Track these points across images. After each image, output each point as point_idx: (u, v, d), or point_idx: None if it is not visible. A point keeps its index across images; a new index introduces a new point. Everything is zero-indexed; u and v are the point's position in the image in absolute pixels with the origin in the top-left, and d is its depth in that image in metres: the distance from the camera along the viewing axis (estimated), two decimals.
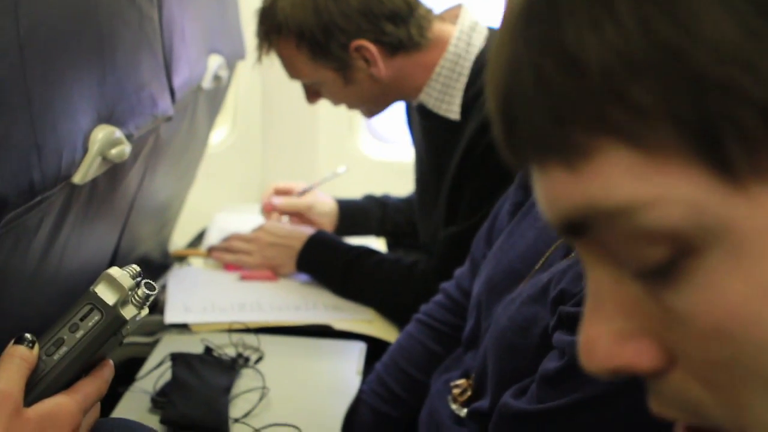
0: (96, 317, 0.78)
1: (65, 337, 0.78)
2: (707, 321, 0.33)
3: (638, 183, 0.33)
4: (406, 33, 1.47)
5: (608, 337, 0.37)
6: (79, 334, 0.78)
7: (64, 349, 0.77)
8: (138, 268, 0.81)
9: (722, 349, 0.34)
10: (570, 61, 0.33)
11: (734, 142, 0.31)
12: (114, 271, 0.79)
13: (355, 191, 1.98)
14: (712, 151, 0.31)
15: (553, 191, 0.36)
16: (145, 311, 0.81)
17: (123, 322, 0.78)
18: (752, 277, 0.32)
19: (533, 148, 0.37)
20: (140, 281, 0.80)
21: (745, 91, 0.30)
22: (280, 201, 1.83)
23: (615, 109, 0.33)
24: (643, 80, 0.32)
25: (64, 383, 0.77)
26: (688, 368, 0.36)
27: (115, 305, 0.78)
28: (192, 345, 1.31)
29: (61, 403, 0.75)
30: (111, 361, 0.82)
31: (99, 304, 0.78)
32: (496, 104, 0.38)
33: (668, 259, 0.34)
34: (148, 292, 0.80)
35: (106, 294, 0.78)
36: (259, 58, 1.57)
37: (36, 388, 0.76)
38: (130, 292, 0.79)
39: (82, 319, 0.78)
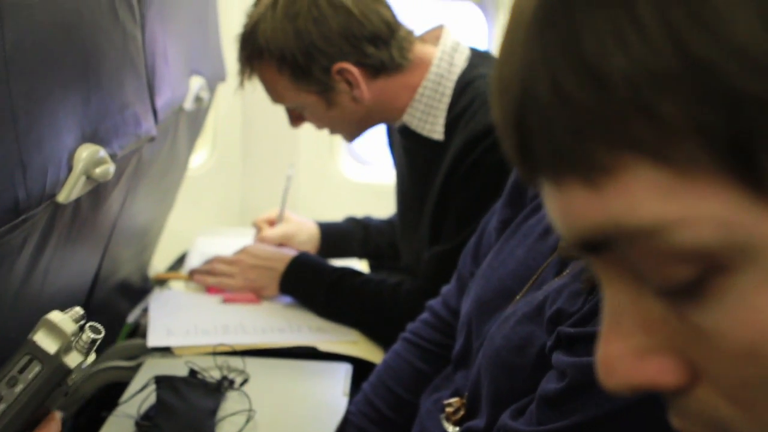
0: (36, 368, 0.71)
1: (3, 393, 0.70)
2: (739, 340, 0.32)
3: (665, 201, 0.31)
4: (387, 55, 1.47)
5: (629, 354, 0.36)
6: (19, 388, 0.70)
7: (2, 406, 0.70)
8: (81, 311, 0.74)
9: (754, 368, 0.33)
10: (591, 73, 0.32)
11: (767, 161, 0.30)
12: (54, 315, 0.72)
13: (336, 214, 1.97)
14: (744, 168, 0.30)
15: (572, 208, 0.35)
16: (92, 357, 0.74)
17: (67, 371, 0.71)
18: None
19: (550, 163, 0.35)
20: (84, 324, 0.73)
21: None
22: (268, 233, 1.81)
23: (641, 125, 0.31)
24: (672, 94, 0.30)
25: None
26: (715, 385, 0.35)
27: (57, 354, 0.71)
28: (176, 368, 1.29)
29: None
30: (57, 414, 0.75)
31: (39, 353, 0.71)
32: (506, 115, 0.37)
33: (696, 278, 0.33)
34: (93, 336, 0.73)
35: (46, 342, 0.71)
36: (241, 83, 1.57)
37: None
38: (73, 338, 0.72)
39: (21, 372, 0.71)
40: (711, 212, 0.31)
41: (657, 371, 0.35)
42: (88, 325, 0.73)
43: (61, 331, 0.71)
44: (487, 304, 1.00)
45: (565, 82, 0.33)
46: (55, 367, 0.71)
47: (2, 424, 0.70)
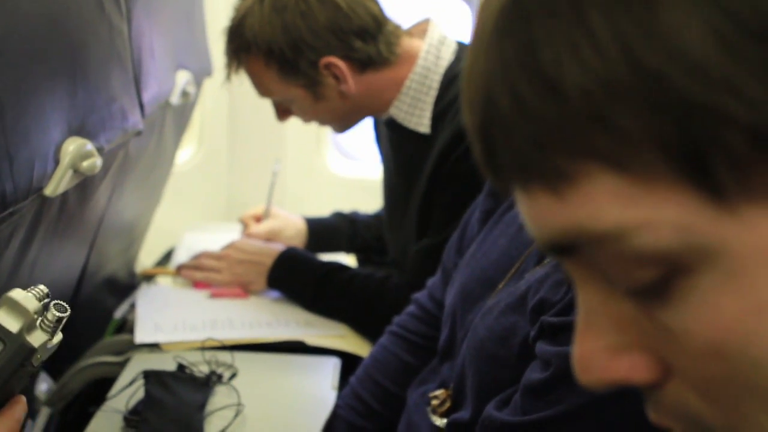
0: None
1: None
2: (702, 339, 0.33)
3: (626, 207, 0.32)
4: (375, 49, 1.47)
5: (603, 352, 0.37)
6: None
7: None
8: (46, 289, 0.70)
9: (718, 365, 0.34)
10: (548, 84, 0.33)
11: (722, 166, 0.30)
12: (16, 293, 0.68)
13: (323, 209, 1.97)
14: (699, 175, 0.31)
15: (539, 214, 0.36)
16: (59, 336, 0.71)
17: (31, 350, 0.68)
18: (746, 296, 0.32)
19: (515, 172, 0.36)
20: (48, 303, 0.70)
21: (731, 115, 0.30)
22: (255, 230, 1.81)
23: (597, 135, 0.32)
24: (625, 105, 0.31)
25: None
26: (684, 381, 0.36)
27: (20, 332, 0.67)
28: (164, 363, 1.29)
29: None
30: (23, 397, 0.72)
31: (0, 332, 0.68)
32: (473, 125, 0.37)
33: (660, 279, 0.34)
34: (58, 314, 0.69)
35: (7, 321, 0.68)
36: (228, 77, 1.57)
37: None
38: (36, 317, 0.69)
39: None
40: (670, 217, 0.32)
41: (629, 368, 0.37)
42: (53, 303, 0.70)
43: (24, 309, 0.68)
44: (470, 294, 1.00)
45: (524, 92, 0.34)
46: (18, 346, 0.68)
47: None
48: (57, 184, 0.91)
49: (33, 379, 0.71)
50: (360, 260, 1.91)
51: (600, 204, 0.33)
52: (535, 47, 0.33)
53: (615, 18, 0.31)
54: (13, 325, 0.67)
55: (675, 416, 0.38)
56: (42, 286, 0.70)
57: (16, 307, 0.68)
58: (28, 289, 0.69)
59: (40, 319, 0.69)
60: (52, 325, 0.69)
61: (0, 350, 0.67)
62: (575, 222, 0.34)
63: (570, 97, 0.32)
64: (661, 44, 0.30)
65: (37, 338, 0.68)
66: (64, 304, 0.70)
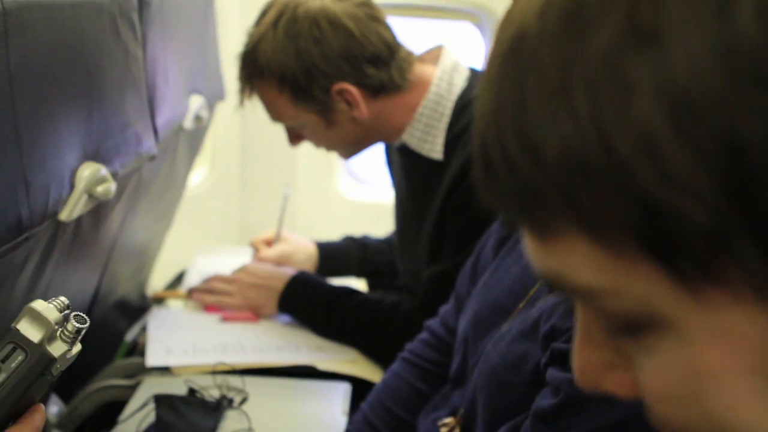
0: (20, 357, 0.70)
1: None
2: (652, 385, 0.38)
3: (596, 272, 0.35)
4: (387, 75, 1.48)
5: (597, 366, 0.41)
6: (2, 377, 0.69)
7: None
8: (66, 301, 0.73)
9: (665, 408, 0.38)
10: (531, 148, 0.34)
11: (684, 257, 0.32)
12: (37, 304, 0.71)
13: (334, 233, 1.98)
14: (664, 259, 0.33)
15: (530, 252, 0.39)
16: (77, 347, 0.73)
17: (51, 360, 0.70)
18: (689, 362, 0.35)
19: (509, 214, 0.39)
20: (69, 314, 0.72)
21: (692, 218, 0.31)
22: (266, 254, 1.81)
23: (572, 204, 0.34)
24: (597, 187, 0.33)
25: None
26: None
27: (41, 342, 0.70)
28: (175, 387, 1.29)
29: None
30: (42, 406, 0.74)
31: (22, 342, 0.70)
32: (476, 165, 0.40)
33: (627, 329, 0.37)
34: (78, 325, 0.72)
35: (29, 331, 0.70)
36: (242, 102, 1.58)
37: None
38: (57, 327, 0.71)
39: (3, 360, 0.70)
40: (634, 289, 0.34)
41: (615, 384, 0.41)
42: (72, 314, 0.72)
43: (45, 320, 0.70)
44: (483, 322, 1.00)
45: (510, 148, 0.35)
46: (38, 355, 0.70)
47: None
48: (72, 209, 0.91)
49: (50, 388, 0.73)
50: (370, 285, 1.91)
51: (575, 264, 0.36)
52: (525, 104, 0.35)
53: (596, 99, 0.32)
54: (35, 335, 0.69)
55: (662, 424, 0.40)
56: (63, 298, 0.72)
57: (38, 318, 0.70)
58: (49, 300, 0.71)
59: (60, 329, 0.71)
60: (71, 335, 0.71)
61: (22, 359, 0.69)
62: (556, 270, 0.37)
63: (549, 164, 0.34)
64: (633, 135, 0.31)
65: (57, 348, 0.70)
66: (84, 315, 0.72)
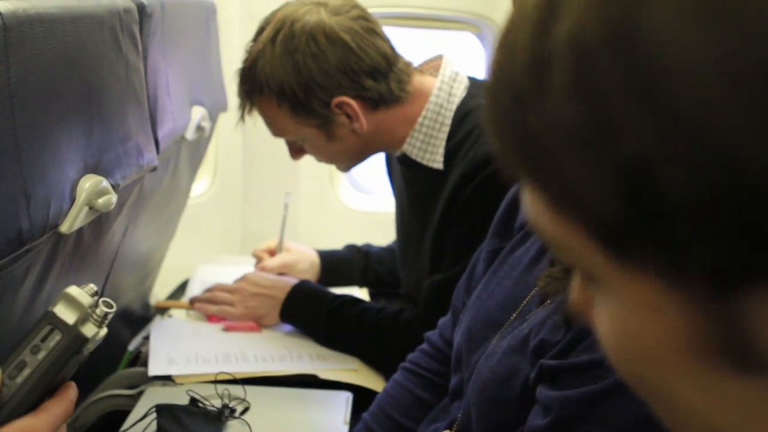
0: (57, 337, 0.77)
1: (27, 359, 0.77)
2: (601, 337, 0.40)
3: (549, 223, 0.38)
4: (386, 87, 1.48)
5: (582, 301, 0.43)
6: (41, 355, 0.77)
7: (26, 372, 0.77)
8: (95, 287, 0.80)
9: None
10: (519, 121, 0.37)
11: (601, 232, 0.35)
12: (72, 290, 0.79)
13: (337, 242, 1.98)
14: (590, 228, 0.35)
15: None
16: (104, 331, 0.81)
17: (84, 340, 0.78)
18: (619, 323, 0.38)
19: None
20: (98, 300, 0.80)
21: (596, 207, 0.34)
22: (269, 263, 1.82)
23: (528, 164, 0.37)
24: (546, 158, 0.35)
25: (29, 406, 0.77)
26: None
27: (76, 324, 0.78)
28: (177, 396, 1.29)
29: (30, 425, 0.75)
30: (74, 383, 0.82)
31: (59, 324, 0.78)
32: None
33: (586, 277, 0.40)
34: (106, 309, 0.80)
35: (65, 313, 0.78)
36: (242, 117, 1.59)
37: (1, 413, 0.75)
38: (89, 310, 0.79)
39: (43, 340, 0.78)
40: (573, 245, 0.37)
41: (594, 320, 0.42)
42: (101, 300, 0.80)
43: (79, 303, 0.78)
44: (476, 335, 1.00)
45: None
46: (74, 336, 0.77)
47: (27, 388, 0.76)
48: (73, 221, 0.92)
49: (80, 368, 0.81)
50: (373, 294, 1.91)
51: (536, 211, 0.38)
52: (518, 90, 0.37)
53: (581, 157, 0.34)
54: (70, 317, 0.78)
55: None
56: (92, 285, 0.80)
57: (72, 302, 0.78)
58: (81, 286, 0.79)
59: (91, 313, 0.79)
60: (100, 318, 0.79)
61: (59, 339, 0.77)
62: (530, 216, 0.40)
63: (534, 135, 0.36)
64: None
65: (88, 330, 0.79)
66: (111, 301, 0.81)
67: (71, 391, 0.81)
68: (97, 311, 0.79)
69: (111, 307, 0.81)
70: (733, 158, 0.29)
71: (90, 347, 0.80)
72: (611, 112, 0.31)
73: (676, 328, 0.34)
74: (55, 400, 0.79)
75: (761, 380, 0.33)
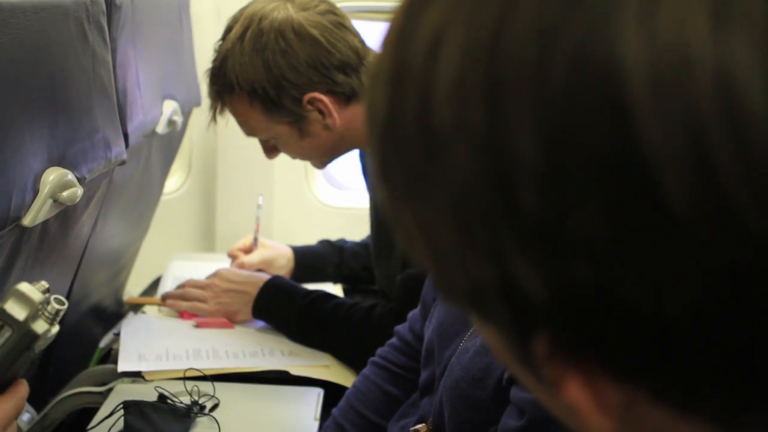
0: (7, 334, 0.77)
1: None
2: None
3: None
4: (358, 82, 1.48)
5: None
6: None
7: None
8: (46, 284, 0.79)
9: None
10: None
11: None
12: (23, 286, 0.78)
13: (312, 238, 1.97)
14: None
15: None
16: (56, 328, 0.80)
17: (35, 336, 0.77)
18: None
19: None
20: (49, 297, 0.79)
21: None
22: (248, 260, 1.81)
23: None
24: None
25: None
26: None
27: (26, 320, 0.77)
28: (146, 393, 1.28)
29: None
30: (25, 380, 0.81)
31: (9, 320, 0.77)
32: None
33: None
34: (58, 306, 0.79)
35: (15, 310, 0.77)
36: (213, 118, 1.58)
37: None
38: (40, 307, 0.78)
39: None
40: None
41: None
42: (53, 297, 0.79)
43: (30, 300, 0.77)
44: (447, 331, 1.00)
45: None
46: (24, 332, 0.77)
47: None
48: (36, 214, 0.91)
49: (32, 366, 0.81)
50: (346, 289, 1.91)
51: None
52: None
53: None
54: (20, 313, 0.77)
55: None
56: (44, 282, 0.80)
57: (22, 298, 0.77)
58: (32, 283, 0.78)
59: (42, 309, 0.78)
60: (52, 315, 0.79)
61: (8, 335, 0.77)
62: None
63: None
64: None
65: (39, 326, 0.78)
66: (62, 298, 0.80)
67: (22, 388, 0.80)
68: (49, 308, 0.78)
69: (63, 304, 0.80)
70: None
71: (41, 344, 0.79)
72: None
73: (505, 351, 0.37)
74: (5, 397, 0.78)
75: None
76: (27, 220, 0.90)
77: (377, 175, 0.36)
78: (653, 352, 0.30)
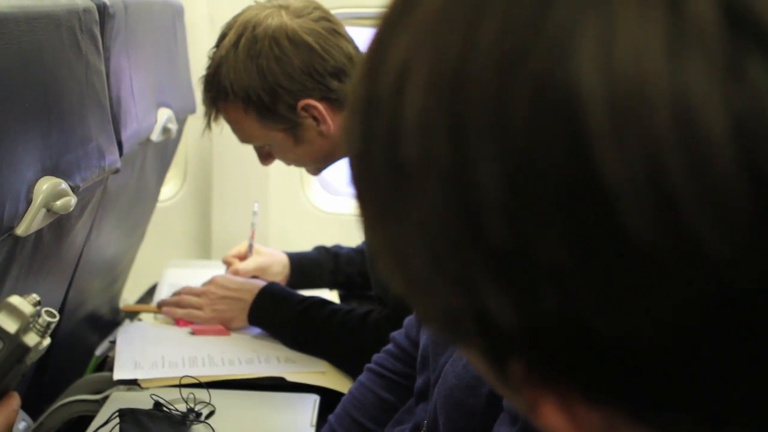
0: None
1: None
2: None
3: None
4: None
5: None
6: None
7: None
8: (37, 297, 0.79)
9: None
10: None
11: None
12: (14, 299, 0.78)
13: (307, 244, 1.97)
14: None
15: None
16: (48, 340, 0.80)
17: (26, 349, 0.77)
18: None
19: None
20: (41, 309, 0.79)
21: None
22: (243, 266, 1.81)
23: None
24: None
25: None
26: None
27: (17, 333, 0.76)
28: (142, 401, 1.28)
29: None
30: (16, 393, 0.81)
31: (0, 332, 0.77)
32: None
33: None
34: (49, 319, 0.79)
35: (6, 323, 0.77)
36: (208, 125, 1.58)
37: None
38: (31, 320, 0.78)
39: None
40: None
41: None
42: (44, 309, 0.79)
43: (21, 313, 0.77)
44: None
45: None
46: (15, 345, 0.76)
47: None
48: (29, 224, 0.91)
49: (24, 379, 0.80)
50: (342, 296, 1.91)
51: None
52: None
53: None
54: (11, 326, 0.76)
55: None
56: (34, 294, 0.79)
57: (14, 311, 0.77)
58: (24, 296, 0.78)
59: (33, 322, 0.78)
60: (43, 328, 0.78)
61: (0, 348, 0.76)
62: None
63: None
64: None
65: (31, 339, 0.77)
66: (53, 310, 0.80)
67: (14, 401, 0.80)
68: (40, 321, 0.78)
69: (54, 316, 0.80)
70: None
71: (33, 357, 0.79)
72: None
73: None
74: None
75: None
76: (20, 230, 0.90)
77: (355, 198, 0.37)
78: (625, 377, 0.30)
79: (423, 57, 0.31)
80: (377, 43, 0.34)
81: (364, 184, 0.36)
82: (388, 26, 0.34)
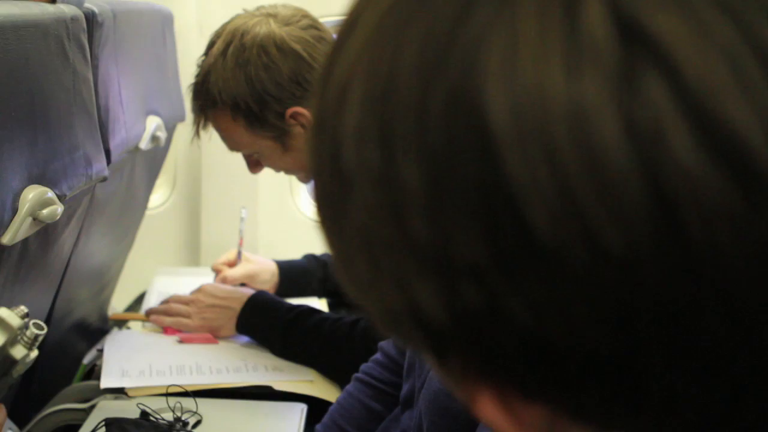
0: None
1: None
2: None
3: None
4: None
5: None
6: None
7: None
8: (25, 309, 0.80)
9: None
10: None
11: None
12: (1, 311, 0.78)
13: (296, 252, 1.97)
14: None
15: None
16: (35, 352, 0.80)
17: (13, 362, 0.77)
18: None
19: None
20: (28, 322, 0.79)
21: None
22: (231, 274, 1.81)
23: None
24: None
25: None
26: None
27: (5, 345, 0.77)
28: (128, 410, 1.28)
29: None
30: (2, 405, 0.81)
31: None
32: None
33: None
34: (36, 332, 0.79)
35: None
36: (197, 133, 1.58)
37: None
38: (19, 332, 0.78)
39: None
40: None
41: None
42: (32, 322, 0.80)
43: (8, 325, 0.77)
44: None
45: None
46: (2, 357, 0.77)
47: None
48: (15, 233, 0.91)
49: (11, 391, 0.81)
50: (331, 304, 1.90)
51: None
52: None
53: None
54: None
55: None
56: (23, 307, 0.80)
57: (1, 324, 0.77)
58: (11, 308, 0.79)
59: (20, 335, 0.78)
60: (30, 340, 0.79)
61: None
62: None
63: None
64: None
65: (18, 351, 0.78)
66: (41, 323, 0.80)
67: (0, 414, 0.80)
68: (27, 333, 0.79)
69: (42, 329, 0.80)
70: None
71: (20, 369, 0.79)
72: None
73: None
74: None
75: None
76: (6, 239, 0.89)
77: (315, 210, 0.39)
78: (552, 373, 0.31)
79: (360, 73, 0.34)
80: (327, 63, 0.37)
81: (318, 194, 0.38)
82: (335, 47, 0.37)
